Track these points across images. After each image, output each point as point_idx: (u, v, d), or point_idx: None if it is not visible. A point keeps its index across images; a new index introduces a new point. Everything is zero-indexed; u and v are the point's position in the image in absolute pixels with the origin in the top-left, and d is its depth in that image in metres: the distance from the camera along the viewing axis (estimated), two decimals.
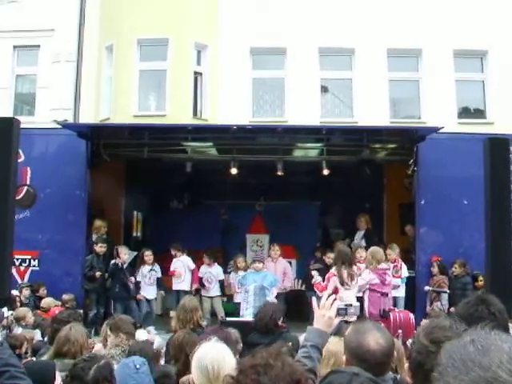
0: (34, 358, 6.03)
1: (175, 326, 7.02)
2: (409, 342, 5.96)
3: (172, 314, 12.28)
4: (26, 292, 11.08)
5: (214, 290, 12.78)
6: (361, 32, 15.01)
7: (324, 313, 3.41)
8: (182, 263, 12.55)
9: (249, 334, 6.91)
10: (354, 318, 4.68)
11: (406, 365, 2.51)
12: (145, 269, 12.32)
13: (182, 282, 12.51)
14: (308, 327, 3.47)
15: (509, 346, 1.34)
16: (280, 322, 7.07)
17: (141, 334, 6.71)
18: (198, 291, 13.29)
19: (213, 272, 12.78)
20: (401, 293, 11.27)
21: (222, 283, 12.92)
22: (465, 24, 14.82)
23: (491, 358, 1.31)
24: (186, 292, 12.01)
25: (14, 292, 10.50)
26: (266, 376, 2.18)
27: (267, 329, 6.90)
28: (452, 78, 15.09)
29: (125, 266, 11.93)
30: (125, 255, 12.01)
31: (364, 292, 10.11)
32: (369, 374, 2.39)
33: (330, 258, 12.30)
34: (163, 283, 12.77)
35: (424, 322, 8.00)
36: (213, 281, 12.74)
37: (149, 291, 12.32)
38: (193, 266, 12.68)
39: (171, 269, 12.60)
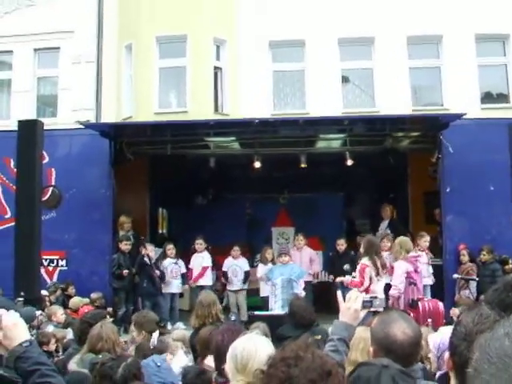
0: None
1: (194, 322, 7.03)
2: (440, 331, 5.85)
3: None
4: (58, 293, 11.19)
5: (239, 284, 12.76)
6: (380, 21, 14.88)
7: (350, 306, 3.40)
8: (202, 259, 12.54)
9: (278, 327, 6.90)
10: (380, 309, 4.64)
11: (446, 355, 2.43)
12: (167, 262, 12.35)
13: (205, 277, 12.52)
14: (334, 321, 3.47)
15: None
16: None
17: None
18: (224, 286, 13.29)
19: (239, 264, 12.75)
20: (428, 281, 11.16)
21: (247, 275, 12.82)
22: (485, 8, 14.60)
23: None
24: (210, 287, 12.06)
25: (43, 292, 10.62)
26: (297, 368, 2.18)
27: (303, 322, 6.88)
28: (474, 63, 14.89)
29: (152, 261, 11.99)
30: (151, 252, 12.09)
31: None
32: (398, 365, 2.36)
33: (341, 245, 12.32)
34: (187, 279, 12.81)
35: (461, 312, 7.89)
36: (238, 273, 12.72)
37: (172, 285, 12.32)
38: (209, 263, 12.64)
39: (191, 264, 12.55)
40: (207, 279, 12.53)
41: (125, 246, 11.81)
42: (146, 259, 11.85)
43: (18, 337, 3.00)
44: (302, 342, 2.32)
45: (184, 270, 12.53)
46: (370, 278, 9.81)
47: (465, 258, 11.38)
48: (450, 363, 2.32)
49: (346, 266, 11.49)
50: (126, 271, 11.53)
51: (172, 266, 12.33)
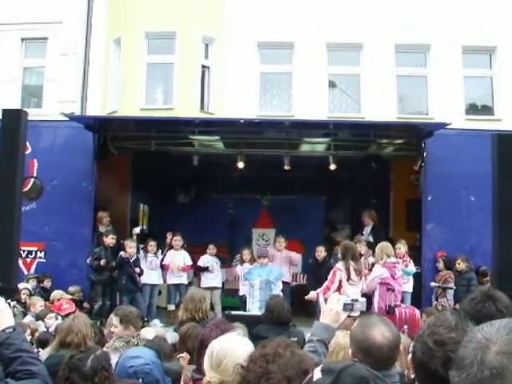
0: (40, 350, 6.04)
1: (182, 316, 6.97)
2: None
3: (170, 307, 12.28)
4: (33, 283, 11.12)
5: (215, 281, 12.74)
6: (369, 27, 14.96)
7: (331, 307, 3.40)
8: (183, 258, 12.49)
9: (255, 327, 6.87)
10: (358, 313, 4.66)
11: (409, 357, 2.49)
12: (148, 255, 12.27)
13: (181, 276, 12.46)
14: (315, 322, 3.46)
15: (485, 328, 1.39)
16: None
17: (148, 333, 6.62)
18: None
19: (214, 260, 12.76)
20: (409, 288, 11.19)
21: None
22: (473, 20, 14.74)
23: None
24: (186, 286, 12.05)
25: (24, 284, 10.57)
26: (275, 364, 2.20)
27: (280, 320, 6.87)
28: (460, 74, 15.03)
29: (132, 259, 11.89)
30: (130, 248, 11.98)
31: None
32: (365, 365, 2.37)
33: (319, 251, 12.22)
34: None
35: (426, 318, 7.98)
36: (214, 269, 12.71)
37: (152, 276, 12.21)
38: (189, 262, 12.57)
39: (167, 261, 12.40)
40: (183, 278, 12.48)
41: (110, 240, 11.67)
42: (125, 258, 11.76)
43: (1, 322, 2.98)
44: (282, 340, 2.34)
45: (160, 259, 12.40)
46: (340, 282, 9.91)
47: (440, 265, 11.46)
48: (411, 364, 2.38)
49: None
50: (103, 261, 11.39)
51: (152, 259, 12.25)
